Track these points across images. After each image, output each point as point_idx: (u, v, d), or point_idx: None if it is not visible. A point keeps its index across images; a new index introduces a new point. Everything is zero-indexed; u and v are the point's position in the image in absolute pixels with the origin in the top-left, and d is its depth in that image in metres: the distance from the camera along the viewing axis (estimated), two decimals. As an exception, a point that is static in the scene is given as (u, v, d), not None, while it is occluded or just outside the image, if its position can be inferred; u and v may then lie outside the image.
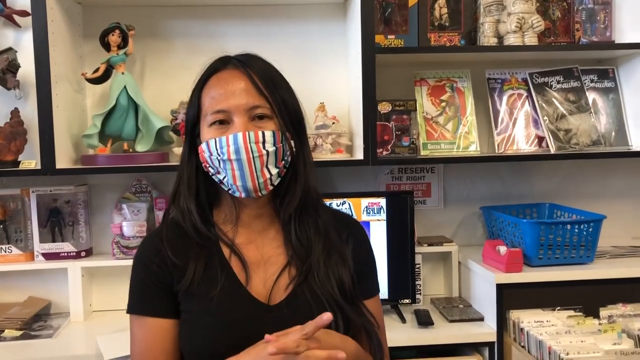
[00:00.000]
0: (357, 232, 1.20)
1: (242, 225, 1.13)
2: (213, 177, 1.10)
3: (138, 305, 1.09)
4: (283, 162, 1.09)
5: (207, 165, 1.09)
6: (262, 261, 1.10)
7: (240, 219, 1.12)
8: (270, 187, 1.09)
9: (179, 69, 2.08)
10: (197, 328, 1.04)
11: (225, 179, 1.07)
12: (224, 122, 1.06)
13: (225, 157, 1.04)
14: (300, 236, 1.10)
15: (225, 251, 1.10)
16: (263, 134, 1.05)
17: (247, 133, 1.04)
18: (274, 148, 1.06)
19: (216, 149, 1.05)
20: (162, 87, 2.08)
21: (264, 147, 1.05)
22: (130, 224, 2.02)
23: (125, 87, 1.91)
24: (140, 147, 1.96)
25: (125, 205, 2.05)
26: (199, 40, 2.09)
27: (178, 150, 1.97)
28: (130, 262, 1.92)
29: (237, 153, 1.04)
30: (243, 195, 1.08)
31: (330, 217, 1.16)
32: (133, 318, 1.10)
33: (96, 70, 1.94)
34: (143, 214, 2.06)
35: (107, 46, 1.94)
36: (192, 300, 1.06)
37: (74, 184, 2.04)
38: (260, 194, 1.08)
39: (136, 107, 1.95)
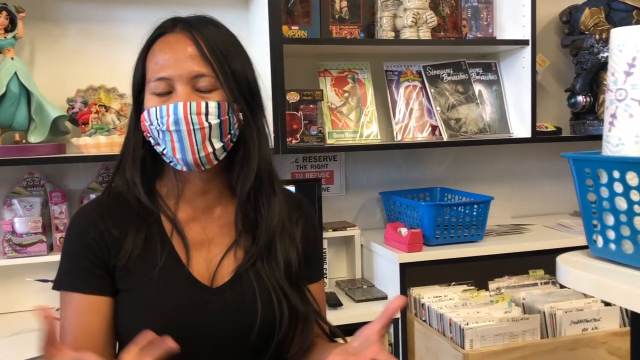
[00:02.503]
0: (308, 214, 1.17)
1: (186, 201, 1.07)
2: (155, 147, 1.04)
3: (68, 281, 1.02)
4: (229, 135, 1.02)
5: (148, 135, 1.03)
6: (206, 241, 1.06)
7: (183, 195, 1.07)
8: (215, 162, 1.02)
9: (74, 56, 1.97)
10: (135, 308, 1.00)
11: (165, 151, 1.01)
12: (167, 91, 1.00)
13: (165, 128, 0.98)
14: (255, 215, 1.06)
15: (167, 228, 1.05)
16: (206, 104, 0.98)
17: (188, 103, 0.97)
18: (218, 121, 0.99)
19: (156, 119, 0.99)
20: (55, 74, 1.96)
21: (206, 119, 0.98)
22: (23, 220, 1.89)
23: (16, 73, 1.79)
24: (34, 138, 1.85)
25: (16, 201, 1.92)
26: (96, 26, 1.99)
27: (75, 140, 1.87)
28: (25, 261, 1.87)
29: (176, 124, 0.97)
30: (185, 168, 1.01)
31: (284, 196, 1.12)
32: (63, 295, 1.02)
33: (-20, 55, 1.80)
34: (37, 209, 1.93)
35: (-9, 29, 1.80)
36: (131, 278, 1.01)
37: (-45, 179, 1.88)
38: (203, 169, 1.02)
39: (28, 95, 1.83)
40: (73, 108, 1.91)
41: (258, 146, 1.05)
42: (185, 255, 1.03)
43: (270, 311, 1.02)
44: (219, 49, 1.00)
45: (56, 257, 1.89)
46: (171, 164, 1.03)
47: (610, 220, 0.98)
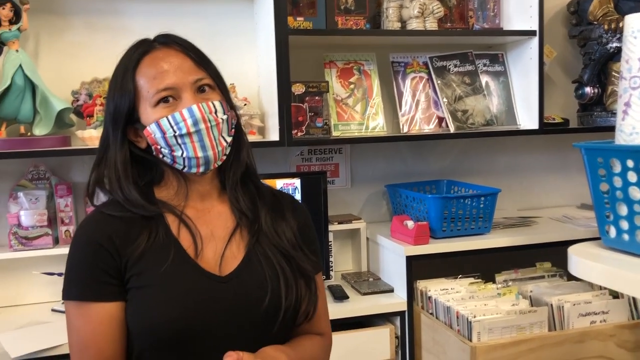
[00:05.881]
0: (304, 211, 1.24)
1: (190, 202, 1.12)
2: (164, 157, 1.08)
3: (80, 291, 1.03)
4: (233, 130, 1.11)
5: (158, 147, 1.07)
6: (210, 235, 1.10)
7: (189, 196, 1.12)
8: (224, 158, 1.10)
9: (78, 48, 1.97)
10: (147, 303, 1.02)
11: (183, 155, 1.06)
12: (169, 100, 1.06)
13: (184, 132, 1.04)
14: (246, 200, 1.14)
15: (173, 227, 1.08)
16: (213, 104, 1.07)
17: (201, 105, 1.05)
18: (225, 117, 1.09)
19: (171, 126, 1.04)
20: (60, 66, 1.95)
21: (217, 116, 1.07)
22: (29, 213, 1.89)
23: (20, 65, 1.78)
24: (39, 131, 1.84)
25: (21, 194, 1.91)
26: (100, 18, 1.99)
27: (80, 133, 1.86)
28: (31, 254, 1.87)
29: (195, 125, 1.05)
30: (201, 169, 1.08)
31: (267, 190, 1.20)
32: (73, 305, 1.04)
33: (-16, 47, 1.79)
34: (42, 202, 1.93)
35: (-4, 21, 1.79)
36: (141, 276, 1.03)
37: (-40, 172, 1.87)
38: (216, 165, 1.09)
39: (33, 87, 1.82)
40: (78, 100, 1.90)
41: (243, 141, 1.15)
42: (194, 250, 1.07)
43: (278, 288, 1.06)
44: (203, 56, 1.11)
45: (62, 250, 1.90)
46: (184, 169, 1.09)
47: (623, 210, 0.97)
